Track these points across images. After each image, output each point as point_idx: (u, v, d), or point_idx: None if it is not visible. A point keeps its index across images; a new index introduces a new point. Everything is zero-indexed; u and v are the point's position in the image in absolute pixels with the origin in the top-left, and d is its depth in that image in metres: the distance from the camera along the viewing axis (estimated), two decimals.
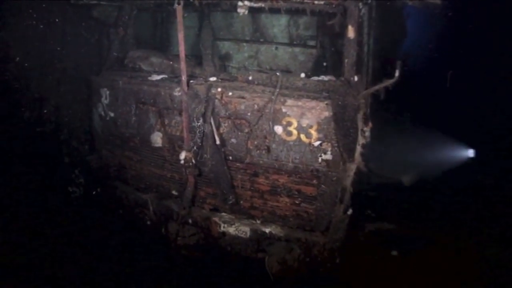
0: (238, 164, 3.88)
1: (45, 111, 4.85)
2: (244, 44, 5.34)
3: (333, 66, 4.76)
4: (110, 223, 5.07)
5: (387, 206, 5.94)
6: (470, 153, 8.22)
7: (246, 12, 4.04)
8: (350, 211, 3.85)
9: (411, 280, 4.50)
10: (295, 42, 5.21)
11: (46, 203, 4.83)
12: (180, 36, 3.56)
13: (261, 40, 5.36)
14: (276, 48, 5.21)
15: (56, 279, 4.21)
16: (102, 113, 4.58)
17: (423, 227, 5.42)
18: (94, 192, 5.04)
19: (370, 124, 4.17)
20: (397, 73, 3.28)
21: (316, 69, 4.94)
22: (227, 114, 3.79)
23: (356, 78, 3.68)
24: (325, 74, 4.07)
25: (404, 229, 5.34)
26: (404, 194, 6.28)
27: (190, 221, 4.20)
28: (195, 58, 4.99)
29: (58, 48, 4.80)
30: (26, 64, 4.51)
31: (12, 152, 4.54)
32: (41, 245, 4.54)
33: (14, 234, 4.44)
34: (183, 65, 3.64)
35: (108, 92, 4.46)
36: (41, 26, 4.57)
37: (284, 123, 3.59)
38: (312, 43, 5.17)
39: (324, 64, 4.98)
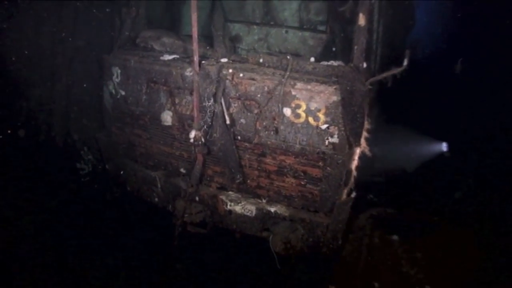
0: (246, 144, 3.97)
1: (56, 88, 4.93)
2: (255, 26, 5.35)
3: (342, 52, 4.79)
4: (118, 200, 5.19)
5: (390, 191, 6.01)
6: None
7: None
8: (354, 194, 3.92)
9: (411, 264, 4.59)
10: (305, 27, 5.22)
11: (54, 180, 4.93)
12: (194, 17, 3.61)
13: (272, 23, 5.37)
14: (286, 32, 5.22)
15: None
16: (113, 91, 4.65)
17: (426, 213, 5.48)
18: (102, 169, 5.15)
19: (376, 111, 4.22)
20: (405, 62, 3.33)
21: (325, 54, 4.98)
22: (237, 95, 3.85)
23: (364, 65, 3.72)
24: (334, 59, 4.11)
25: (406, 215, 5.41)
26: (407, 180, 6.34)
27: (197, 198, 4.31)
28: (205, 39, 5.03)
29: (71, 26, 4.85)
30: (39, 42, 4.57)
31: (21, 128, 4.63)
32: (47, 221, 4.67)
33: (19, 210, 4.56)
34: (195, 46, 3.69)
35: (119, 71, 4.52)
36: (54, 4, 4.62)
37: (293, 105, 3.66)
38: (322, 28, 5.18)
39: (333, 49, 5.01)
